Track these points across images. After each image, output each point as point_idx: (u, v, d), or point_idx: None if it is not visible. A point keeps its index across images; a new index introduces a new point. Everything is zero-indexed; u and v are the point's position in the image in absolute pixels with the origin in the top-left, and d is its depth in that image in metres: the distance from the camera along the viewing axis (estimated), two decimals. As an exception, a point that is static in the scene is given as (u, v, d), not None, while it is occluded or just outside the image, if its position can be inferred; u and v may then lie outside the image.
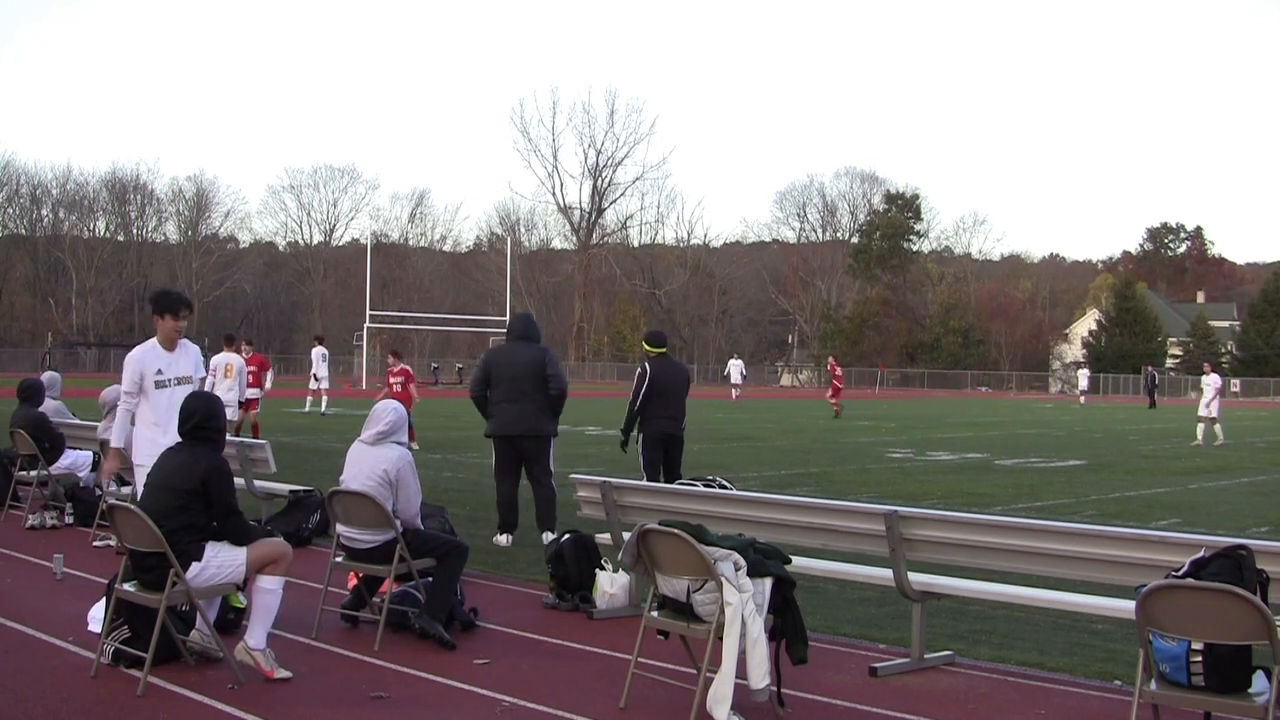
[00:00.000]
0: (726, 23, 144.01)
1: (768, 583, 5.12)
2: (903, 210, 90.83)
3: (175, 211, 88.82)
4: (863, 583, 6.90)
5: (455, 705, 5.34)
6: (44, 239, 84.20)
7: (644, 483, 8.30)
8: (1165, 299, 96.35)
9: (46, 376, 12.37)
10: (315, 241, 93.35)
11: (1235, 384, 66.36)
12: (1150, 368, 58.42)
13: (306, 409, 28.60)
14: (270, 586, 5.73)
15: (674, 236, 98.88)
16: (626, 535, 5.58)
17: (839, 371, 36.87)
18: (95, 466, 10.61)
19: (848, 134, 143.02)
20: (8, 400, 12.71)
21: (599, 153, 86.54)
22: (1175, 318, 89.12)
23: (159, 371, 7.23)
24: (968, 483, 15.43)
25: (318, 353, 28.78)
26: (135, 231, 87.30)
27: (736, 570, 5.03)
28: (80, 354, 70.69)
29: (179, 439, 5.86)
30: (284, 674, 5.60)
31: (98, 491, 10.15)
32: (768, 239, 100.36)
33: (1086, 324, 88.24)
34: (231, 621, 6.27)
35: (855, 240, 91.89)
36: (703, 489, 7.07)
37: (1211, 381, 24.84)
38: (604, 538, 7.42)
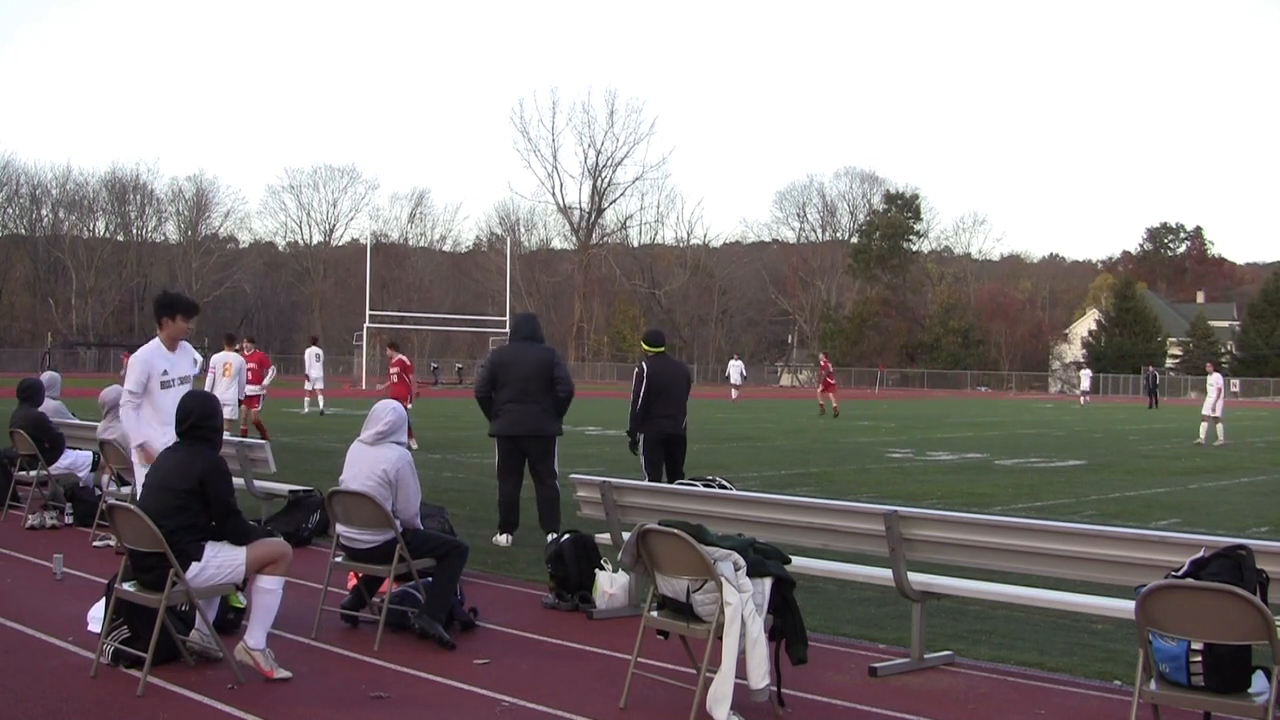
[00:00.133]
0: (726, 23, 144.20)
1: (767, 583, 5.12)
2: (902, 210, 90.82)
3: (175, 211, 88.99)
4: (863, 583, 6.90)
5: (455, 705, 5.34)
6: (44, 239, 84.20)
7: (644, 483, 8.30)
8: (1165, 299, 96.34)
9: (46, 376, 12.37)
10: (315, 241, 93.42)
11: (1235, 384, 66.28)
12: (1151, 368, 58.41)
13: (305, 410, 28.60)
14: (270, 586, 5.73)
15: (674, 236, 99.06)
16: (626, 535, 5.58)
17: (831, 367, 36.96)
18: (95, 466, 10.61)
19: (848, 134, 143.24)
20: (8, 400, 12.71)
21: (599, 153, 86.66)
22: (1175, 318, 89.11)
23: (164, 372, 7.33)
24: (968, 483, 15.43)
25: (311, 353, 28.74)
26: (135, 231, 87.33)
27: (736, 570, 5.03)
28: (80, 354, 70.74)
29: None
30: (284, 674, 5.60)
31: (97, 492, 10.16)
32: (767, 239, 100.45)
33: (1086, 324, 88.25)
34: (231, 621, 6.27)
35: (855, 240, 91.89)
36: (703, 489, 7.07)
37: (1214, 381, 24.89)
38: (604, 538, 7.41)
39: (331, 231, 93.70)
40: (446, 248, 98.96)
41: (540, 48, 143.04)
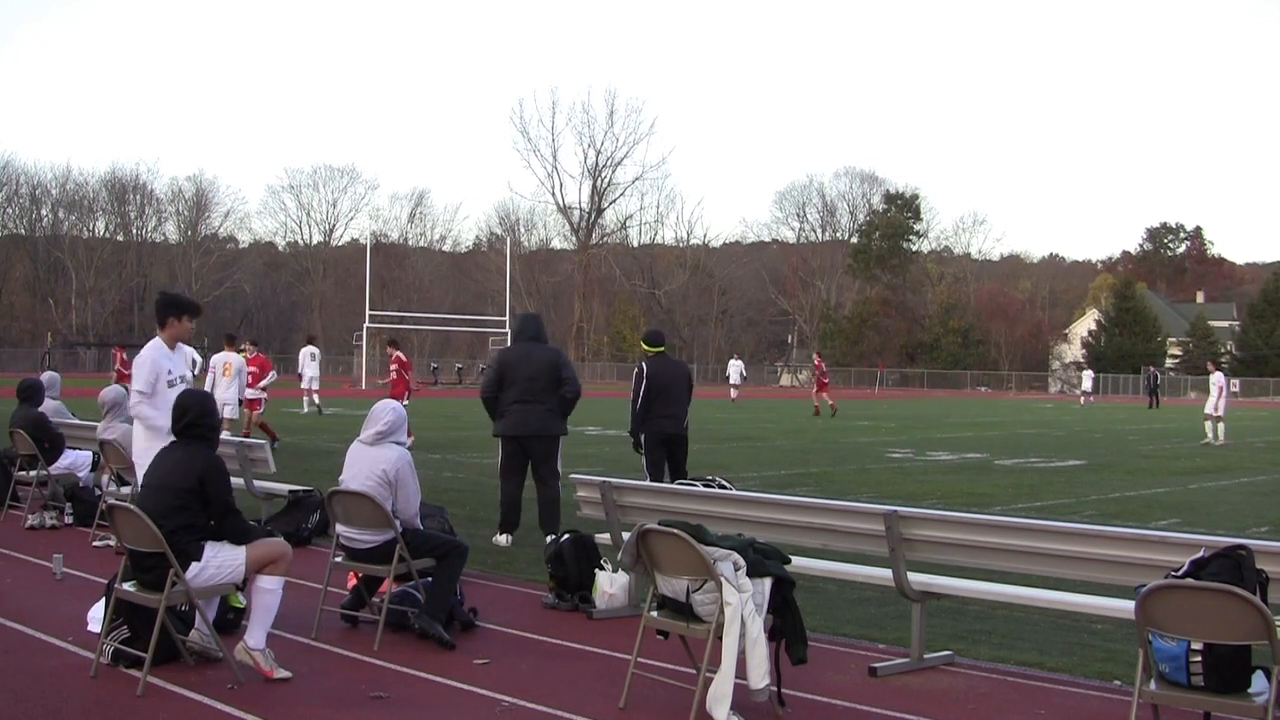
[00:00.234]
0: (726, 23, 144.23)
1: (767, 583, 5.12)
2: (902, 210, 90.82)
3: (175, 211, 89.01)
4: (862, 583, 6.90)
5: (455, 705, 5.34)
6: (44, 239, 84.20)
7: (644, 483, 8.29)
8: (1165, 299, 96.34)
9: (46, 376, 12.37)
10: (315, 241, 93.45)
11: (1235, 384, 66.27)
12: (1152, 368, 58.43)
13: (305, 410, 28.59)
14: (270, 586, 5.73)
15: (673, 236, 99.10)
16: (626, 535, 5.58)
17: (824, 367, 37.10)
18: (95, 466, 10.61)
19: (847, 134, 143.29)
20: (7, 400, 12.71)
21: (599, 153, 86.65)
22: (1175, 318, 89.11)
23: (169, 371, 7.40)
24: (967, 483, 15.43)
25: (306, 352, 28.69)
26: (135, 231, 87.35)
27: (736, 570, 5.03)
28: (80, 354, 70.73)
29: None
30: (284, 674, 5.60)
31: (97, 492, 10.16)
32: (767, 239, 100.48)
33: (1086, 324, 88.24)
34: (231, 621, 6.27)
35: (855, 240, 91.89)
36: (703, 489, 7.07)
37: (1216, 380, 24.94)
38: (604, 538, 7.41)
39: (331, 231, 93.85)
40: (446, 248, 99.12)
41: (540, 48, 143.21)
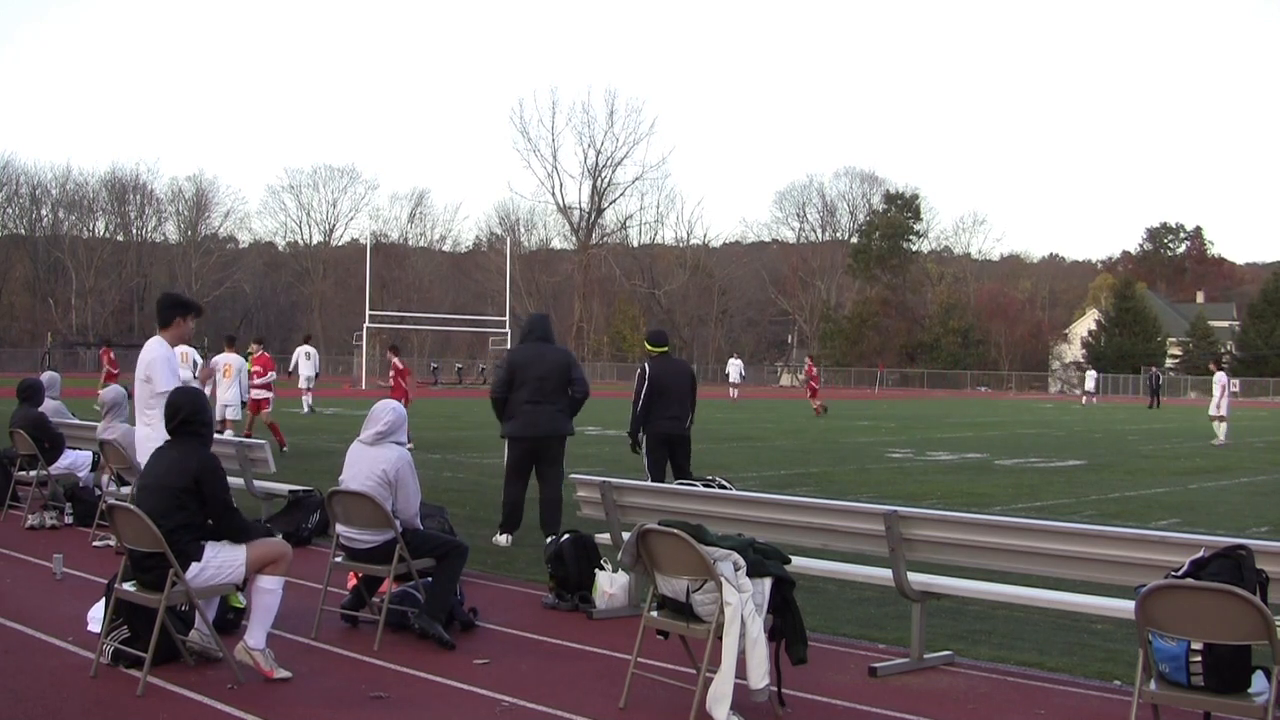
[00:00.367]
0: (726, 23, 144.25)
1: (767, 583, 5.12)
2: (902, 210, 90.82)
3: (175, 211, 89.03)
4: (862, 583, 6.90)
5: (455, 705, 5.34)
6: (44, 239, 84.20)
7: (644, 483, 8.29)
8: (1165, 299, 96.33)
9: (46, 376, 12.37)
10: (315, 241, 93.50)
11: (1235, 384, 66.27)
12: (1154, 368, 58.43)
13: (304, 410, 28.59)
14: (270, 586, 5.72)
15: (673, 236, 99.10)
16: (626, 535, 5.57)
17: (815, 371, 37.88)
18: (95, 466, 10.62)
19: (847, 134, 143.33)
20: (7, 400, 12.71)
21: (599, 153, 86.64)
22: (1175, 318, 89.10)
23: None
24: (968, 483, 15.43)
25: (301, 352, 28.67)
26: (135, 231, 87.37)
27: (736, 570, 5.03)
28: (80, 354, 70.66)
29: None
30: (284, 674, 5.60)
31: (97, 492, 10.16)
32: (767, 239, 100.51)
33: (1086, 324, 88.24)
34: (231, 621, 6.27)
35: (855, 240, 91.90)
36: (703, 489, 7.07)
37: (1218, 379, 24.99)
38: (604, 538, 7.41)
39: (331, 231, 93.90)
40: (446, 248, 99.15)
41: (540, 48, 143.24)
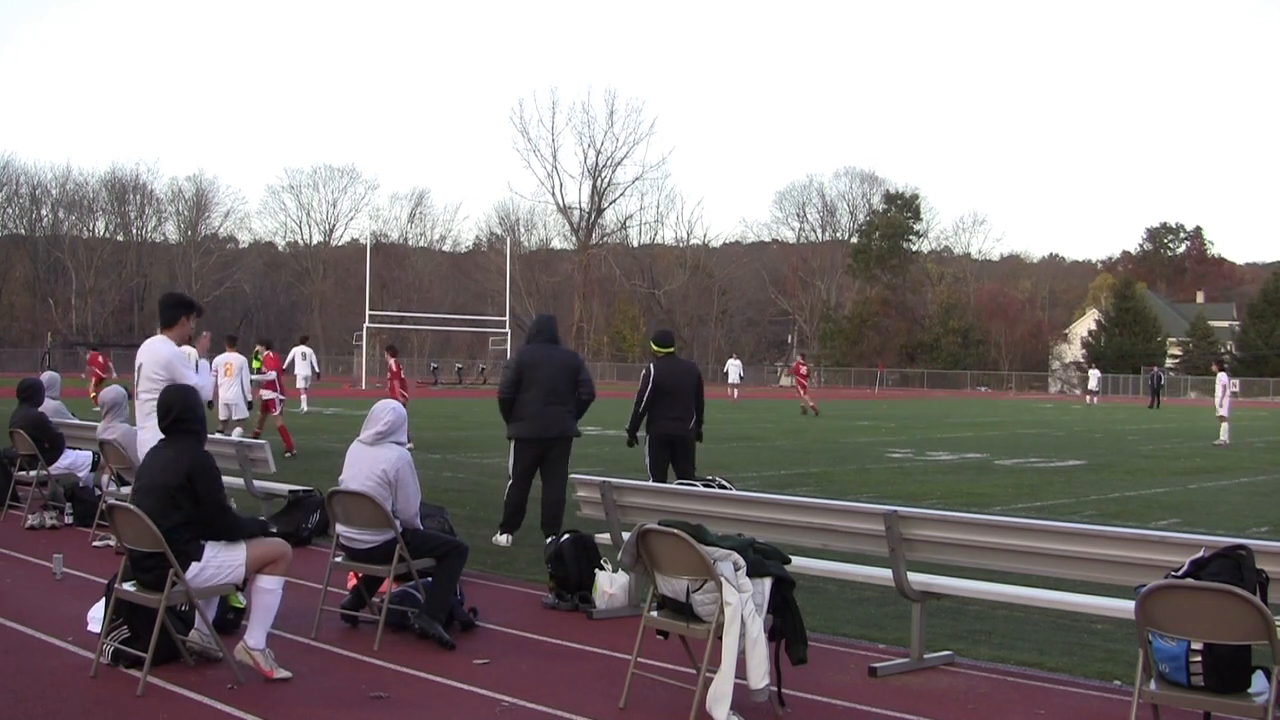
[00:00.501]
0: (726, 23, 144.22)
1: (767, 583, 5.12)
2: (902, 210, 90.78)
3: (175, 211, 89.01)
4: (862, 583, 6.91)
5: (455, 705, 5.34)
6: (44, 239, 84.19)
7: (644, 483, 8.29)
8: (1165, 299, 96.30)
9: (46, 376, 12.38)
10: (315, 241, 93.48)
11: (1235, 384, 66.28)
12: (1156, 368, 58.38)
13: (304, 409, 28.59)
14: (270, 586, 5.72)
15: (673, 236, 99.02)
16: (626, 535, 5.58)
17: (804, 370, 38.19)
18: (95, 466, 10.62)
19: (847, 134, 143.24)
20: (7, 400, 12.71)
21: (598, 153, 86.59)
22: (1175, 318, 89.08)
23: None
24: (968, 483, 15.43)
25: (297, 352, 28.65)
26: (135, 231, 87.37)
27: (736, 570, 5.03)
28: (80, 354, 70.55)
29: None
30: (284, 674, 5.60)
31: (97, 492, 10.16)
32: (767, 239, 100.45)
33: (1086, 324, 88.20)
34: (231, 621, 6.27)
35: (855, 240, 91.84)
36: (703, 489, 7.07)
37: (1220, 379, 25.07)
38: (604, 538, 7.42)
39: (331, 231, 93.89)
40: (446, 248, 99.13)
41: (540, 48, 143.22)
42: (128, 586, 5.64)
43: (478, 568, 8.36)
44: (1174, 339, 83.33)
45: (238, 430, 15.31)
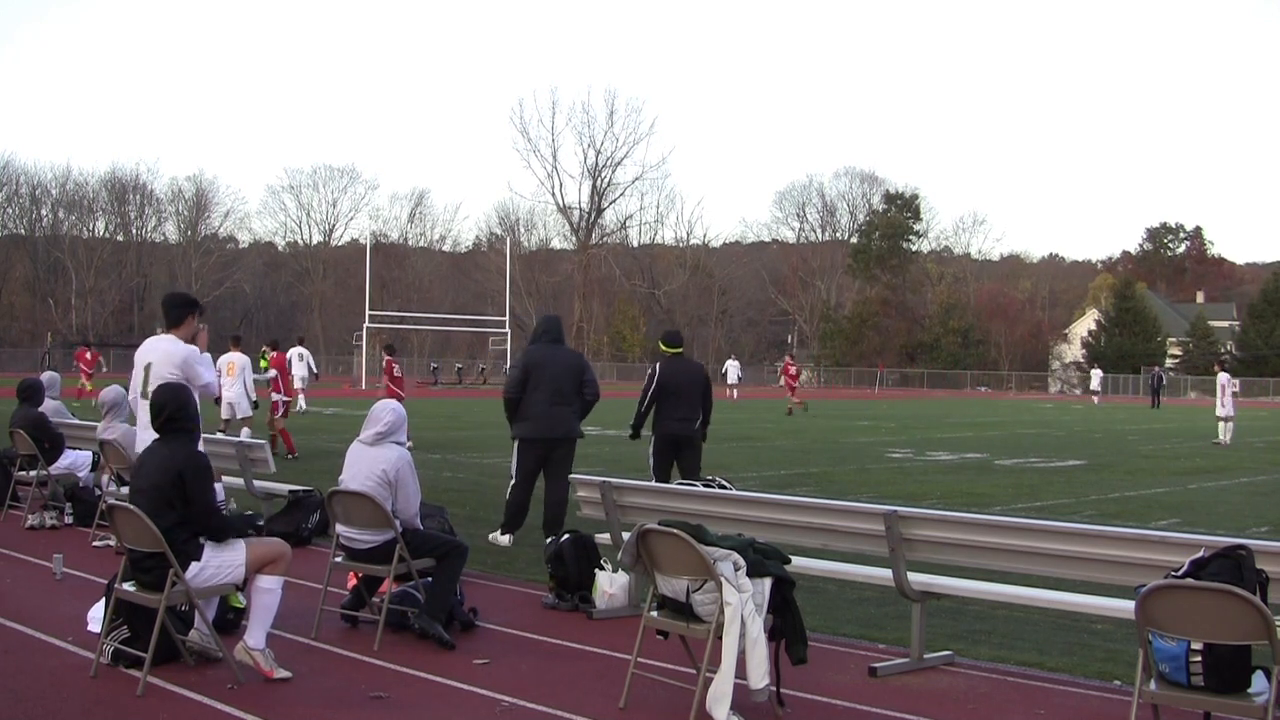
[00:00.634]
0: (726, 23, 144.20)
1: (767, 583, 5.12)
2: (902, 210, 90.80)
3: (175, 211, 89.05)
4: (862, 583, 6.91)
5: (455, 705, 5.34)
6: (44, 239, 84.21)
7: (644, 483, 8.29)
8: (1165, 299, 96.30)
9: (46, 376, 12.37)
10: (315, 241, 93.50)
11: (1236, 384, 66.20)
12: (1157, 369, 58.35)
13: (302, 408, 28.59)
14: (269, 586, 5.72)
15: (673, 236, 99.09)
16: (626, 535, 5.58)
17: (792, 370, 39.05)
18: (95, 466, 10.62)
19: (847, 134, 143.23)
20: (7, 400, 12.71)
21: (598, 153, 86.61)
22: (1175, 318, 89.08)
23: None
24: (967, 483, 15.43)
25: (294, 352, 28.64)
26: (135, 231, 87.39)
27: (736, 570, 5.03)
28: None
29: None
30: (283, 674, 5.59)
31: (97, 492, 10.16)
32: (767, 239, 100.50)
33: (1086, 324, 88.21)
34: (231, 621, 6.27)
35: (855, 240, 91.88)
36: (703, 489, 7.07)
37: (1220, 379, 25.14)
38: (604, 538, 7.42)
39: (331, 231, 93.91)
40: (446, 248, 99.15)
41: (540, 48, 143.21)
42: (128, 586, 5.64)
43: (478, 568, 8.36)
44: (1174, 339, 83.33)
45: (245, 430, 15.30)
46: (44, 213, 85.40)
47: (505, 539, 9.60)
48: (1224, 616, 4.10)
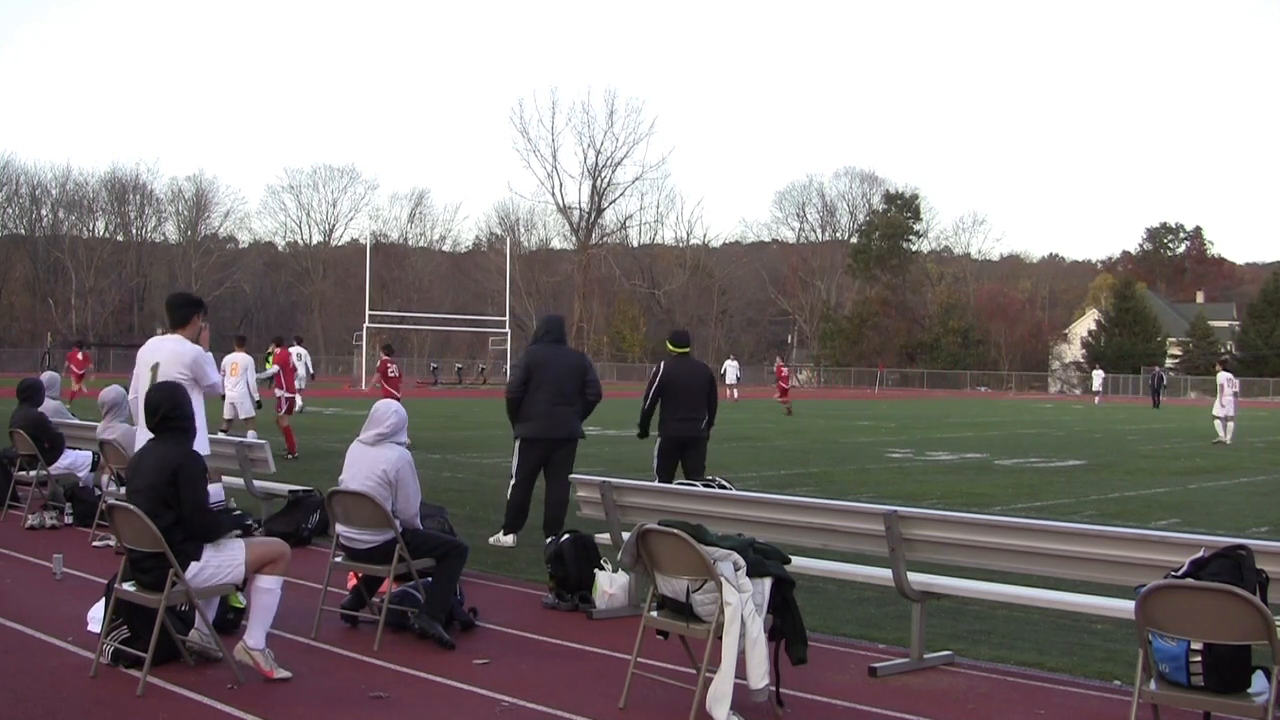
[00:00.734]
0: (726, 23, 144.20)
1: (767, 583, 5.12)
2: (902, 210, 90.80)
3: (175, 211, 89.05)
4: (862, 583, 6.91)
5: (455, 705, 5.34)
6: (44, 239, 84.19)
7: (644, 483, 8.28)
8: (1165, 299, 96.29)
9: (46, 376, 12.37)
10: (315, 241, 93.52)
11: (1236, 384, 66.08)
12: (1157, 369, 58.34)
13: (301, 409, 28.59)
14: (269, 586, 5.72)
15: (673, 236, 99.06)
16: (626, 535, 5.58)
17: (784, 373, 39.42)
18: (95, 466, 10.62)
19: (847, 134, 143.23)
20: (7, 400, 12.71)
21: (598, 153, 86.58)
22: (1175, 318, 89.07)
23: None
24: (967, 483, 15.43)
25: (293, 353, 28.62)
26: (135, 231, 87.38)
27: (736, 570, 5.03)
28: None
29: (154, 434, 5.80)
30: (283, 674, 5.59)
31: (97, 492, 10.16)
32: (767, 239, 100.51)
33: (1086, 324, 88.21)
34: (231, 621, 6.27)
35: (854, 240, 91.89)
36: (703, 489, 7.07)
37: (1221, 379, 25.17)
38: (604, 538, 7.42)
39: (331, 231, 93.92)
40: (446, 248, 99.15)
41: (540, 48, 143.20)
42: (128, 586, 5.64)
43: (478, 568, 8.36)
44: (1174, 339, 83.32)
45: (251, 433, 15.30)
46: (44, 213, 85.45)
47: (508, 539, 9.60)
48: (1224, 616, 4.10)
